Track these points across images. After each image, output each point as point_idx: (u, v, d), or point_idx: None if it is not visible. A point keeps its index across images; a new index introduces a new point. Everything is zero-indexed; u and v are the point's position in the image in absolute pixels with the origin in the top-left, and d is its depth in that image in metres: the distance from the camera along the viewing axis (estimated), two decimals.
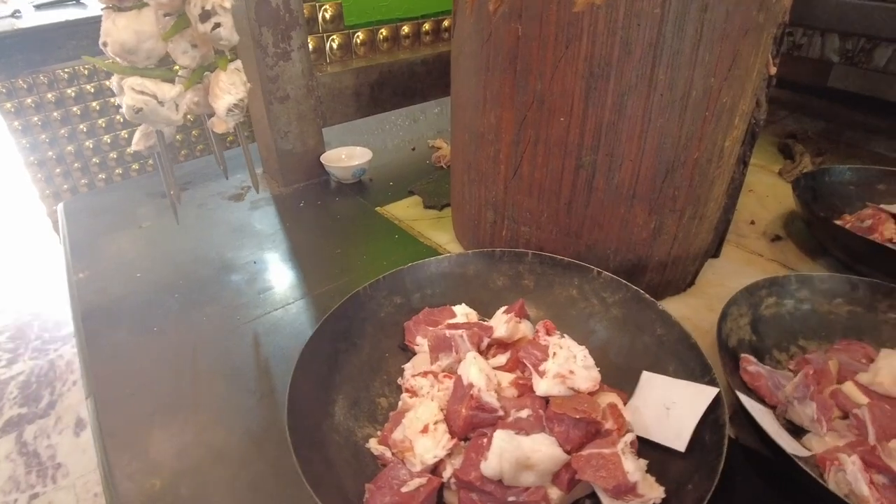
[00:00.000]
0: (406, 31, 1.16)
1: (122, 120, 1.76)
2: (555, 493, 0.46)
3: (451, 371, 0.57)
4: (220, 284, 0.83)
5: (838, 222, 0.89)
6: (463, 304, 0.67)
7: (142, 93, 0.61)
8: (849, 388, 0.58)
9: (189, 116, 1.83)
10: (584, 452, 0.46)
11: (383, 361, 0.63)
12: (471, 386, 0.50)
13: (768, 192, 1.06)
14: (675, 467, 0.49)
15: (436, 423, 0.50)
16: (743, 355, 0.61)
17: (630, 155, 0.65)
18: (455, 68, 0.77)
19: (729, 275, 0.83)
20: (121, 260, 0.89)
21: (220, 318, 0.76)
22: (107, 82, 1.68)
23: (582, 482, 0.47)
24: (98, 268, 0.87)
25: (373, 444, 0.52)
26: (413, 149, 1.24)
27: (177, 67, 0.66)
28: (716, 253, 0.85)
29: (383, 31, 1.12)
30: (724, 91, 0.62)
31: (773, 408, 0.59)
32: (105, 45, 0.60)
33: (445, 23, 1.21)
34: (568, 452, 0.48)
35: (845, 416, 0.57)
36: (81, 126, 1.71)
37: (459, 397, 0.51)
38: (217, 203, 1.04)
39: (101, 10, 0.61)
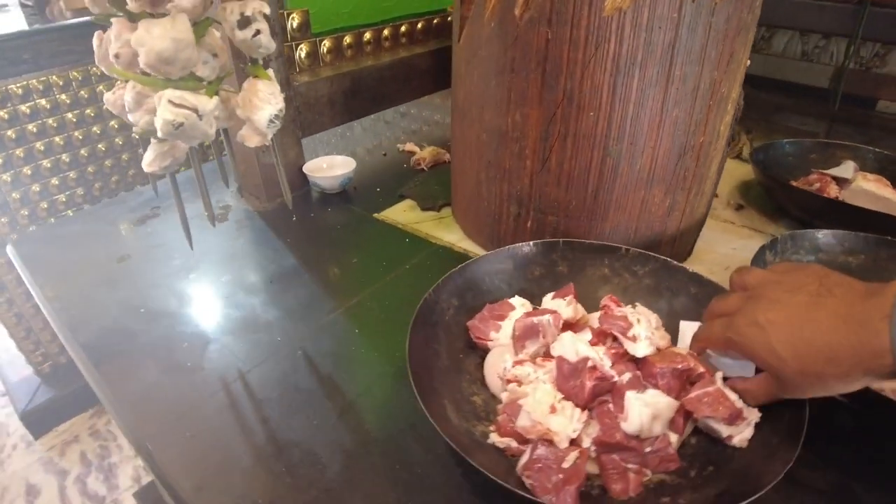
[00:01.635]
0: (368, 37, 1.19)
1: (62, 143, 1.61)
2: (673, 437, 0.55)
3: (538, 356, 0.64)
4: (243, 309, 0.82)
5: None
6: (517, 297, 0.73)
7: (182, 106, 0.59)
8: None
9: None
10: (693, 395, 0.55)
11: (460, 362, 0.67)
12: (587, 359, 0.57)
13: None
14: None
15: (559, 401, 0.56)
16: None
17: (650, 142, 0.74)
18: (465, 71, 0.83)
19: (714, 242, 0.96)
20: (113, 298, 0.85)
21: (257, 343, 0.76)
22: (41, 101, 1.53)
23: (685, 424, 0.56)
24: (87, 311, 0.83)
25: (495, 438, 0.56)
26: (384, 154, 1.28)
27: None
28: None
29: (347, 39, 1.15)
30: (723, 83, 0.74)
31: None
32: (119, 56, 0.58)
33: (403, 28, 1.26)
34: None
35: None
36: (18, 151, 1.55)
37: (570, 373, 0.57)
38: (199, 226, 1.02)
39: (121, 17, 0.58)
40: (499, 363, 0.64)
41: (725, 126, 0.80)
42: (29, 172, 1.56)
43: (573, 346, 0.58)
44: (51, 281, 0.90)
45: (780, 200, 1.02)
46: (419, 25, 1.30)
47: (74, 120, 1.61)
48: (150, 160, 0.68)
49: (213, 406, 0.67)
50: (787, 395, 0.52)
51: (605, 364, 0.57)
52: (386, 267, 0.90)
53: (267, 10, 0.64)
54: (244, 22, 0.62)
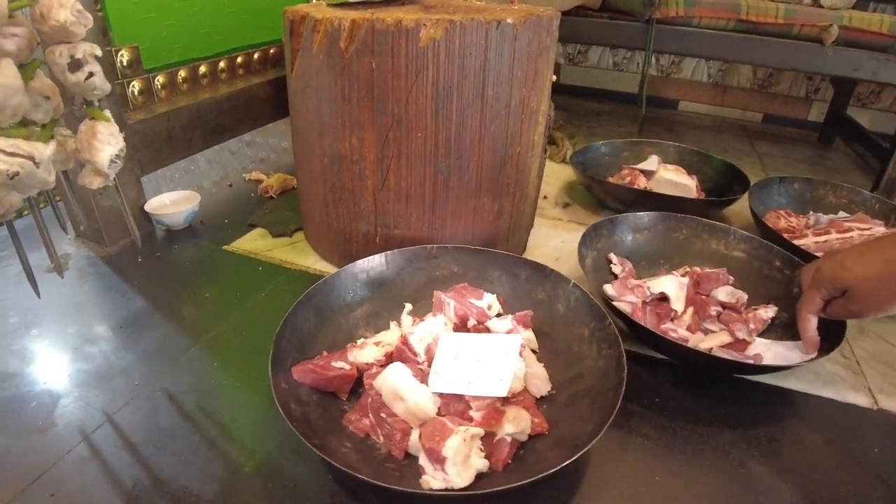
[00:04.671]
0: (203, 70, 1.21)
1: None
2: (415, 436, 0.62)
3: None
4: (94, 358, 0.80)
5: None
6: (494, 295, 0.80)
7: (16, 155, 0.56)
8: None
9: None
10: (438, 417, 0.62)
11: (416, 301, 0.83)
12: (412, 332, 0.68)
13: (547, 172, 1.37)
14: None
15: (387, 345, 0.70)
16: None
17: (474, 157, 0.84)
18: (300, 100, 0.89)
19: (545, 237, 1.09)
20: None
21: (114, 390, 0.75)
22: None
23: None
24: None
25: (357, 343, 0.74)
26: (230, 185, 1.29)
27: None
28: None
29: (182, 73, 1.16)
30: (532, 98, 0.86)
31: None
32: None
33: (239, 59, 1.29)
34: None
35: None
36: None
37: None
38: (38, 278, 0.97)
39: None
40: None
41: (539, 136, 0.92)
42: None
43: (426, 322, 0.72)
44: None
45: (599, 195, 1.18)
46: (255, 56, 1.33)
47: None
48: None
49: (73, 461, 0.66)
50: (860, 314, 0.69)
51: (419, 342, 0.70)
52: (240, 297, 0.92)
53: (98, 52, 0.63)
54: (75, 65, 0.61)
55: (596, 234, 0.92)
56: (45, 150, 0.59)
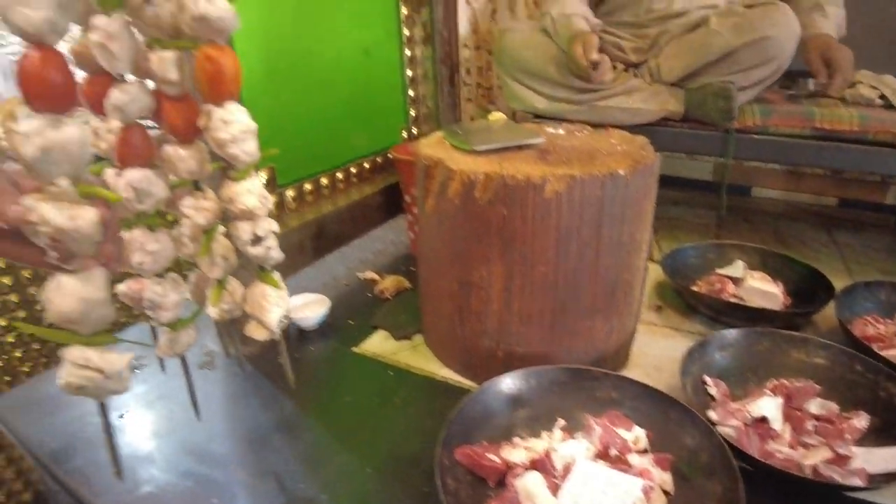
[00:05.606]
0: (325, 182, 1.38)
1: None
2: None
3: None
4: (263, 460, 0.92)
5: (695, 287, 1.31)
6: (644, 430, 0.87)
7: (85, 367, 0.55)
8: None
9: None
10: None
11: (572, 416, 0.91)
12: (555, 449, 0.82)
13: None
14: None
15: (535, 452, 0.83)
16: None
17: (590, 285, 0.96)
18: (434, 234, 1.03)
19: (644, 345, 1.18)
20: (134, 460, 0.93)
21: (288, 496, 0.86)
22: None
23: None
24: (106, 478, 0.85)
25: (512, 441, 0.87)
26: (346, 284, 1.44)
27: None
28: None
29: (307, 186, 1.33)
30: (637, 232, 0.98)
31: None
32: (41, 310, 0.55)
33: (353, 170, 1.46)
34: None
35: None
36: None
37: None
38: (196, 373, 1.12)
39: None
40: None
41: (642, 261, 1.04)
42: None
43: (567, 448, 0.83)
44: (54, 447, 0.96)
45: (690, 302, 1.28)
46: (366, 166, 1.50)
47: None
48: (63, 381, 0.57)
49: None
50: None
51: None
52: (378, 403, 1.04)
53: (276, 228, 0.76)
54: (256, 240, 0.72)
55: (690, 360, 1.01)
56: (116, 363, 0.58)
